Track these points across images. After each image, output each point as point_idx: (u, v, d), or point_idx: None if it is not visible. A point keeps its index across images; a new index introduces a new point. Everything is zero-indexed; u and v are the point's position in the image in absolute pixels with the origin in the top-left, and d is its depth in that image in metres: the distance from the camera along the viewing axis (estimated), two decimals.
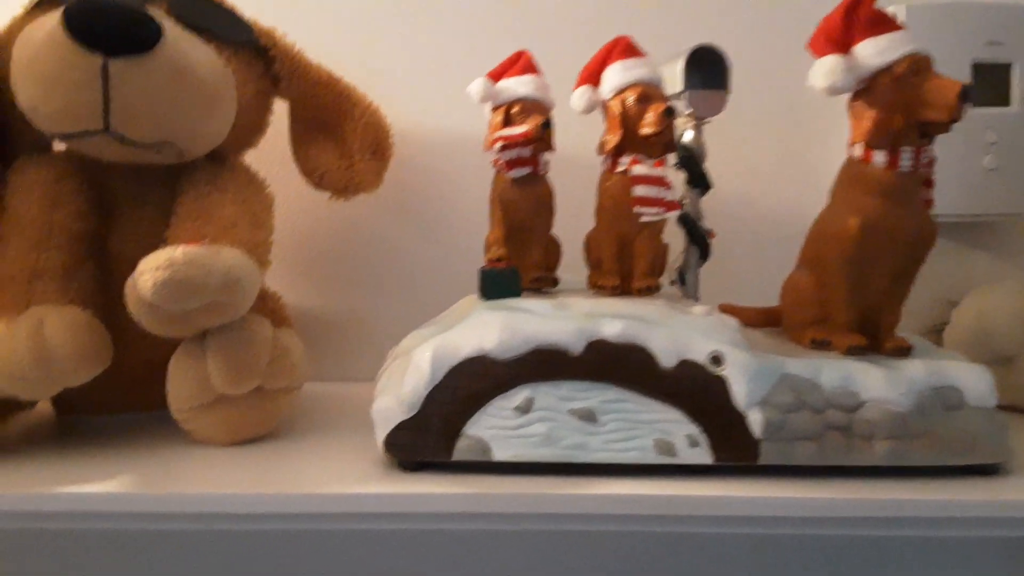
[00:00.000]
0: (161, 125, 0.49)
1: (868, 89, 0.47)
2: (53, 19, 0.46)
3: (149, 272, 0.43)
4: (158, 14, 0.49)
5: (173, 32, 0.49)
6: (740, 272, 0.66)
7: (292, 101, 0.61)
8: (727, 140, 0.68)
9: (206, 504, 0.43)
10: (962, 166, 0.67)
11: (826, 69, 0.46)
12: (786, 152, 0.70)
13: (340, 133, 0.60)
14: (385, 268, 0.72)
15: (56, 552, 0.42)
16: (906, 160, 0.46)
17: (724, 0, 0.70)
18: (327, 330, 0.71)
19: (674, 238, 0.57)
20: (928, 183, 0.49)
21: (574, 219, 0.55)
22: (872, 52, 0.46)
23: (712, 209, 0.59)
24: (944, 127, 0.46)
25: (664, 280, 0.57)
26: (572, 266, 0.58)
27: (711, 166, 0.57)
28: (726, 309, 0.58)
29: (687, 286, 0.57)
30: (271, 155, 0.63)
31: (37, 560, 0.43)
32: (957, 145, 0.67)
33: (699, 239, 0.56)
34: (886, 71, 0.46)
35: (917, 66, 0.45)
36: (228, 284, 0.46)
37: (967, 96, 0.44)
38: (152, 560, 0.43)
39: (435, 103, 0.70)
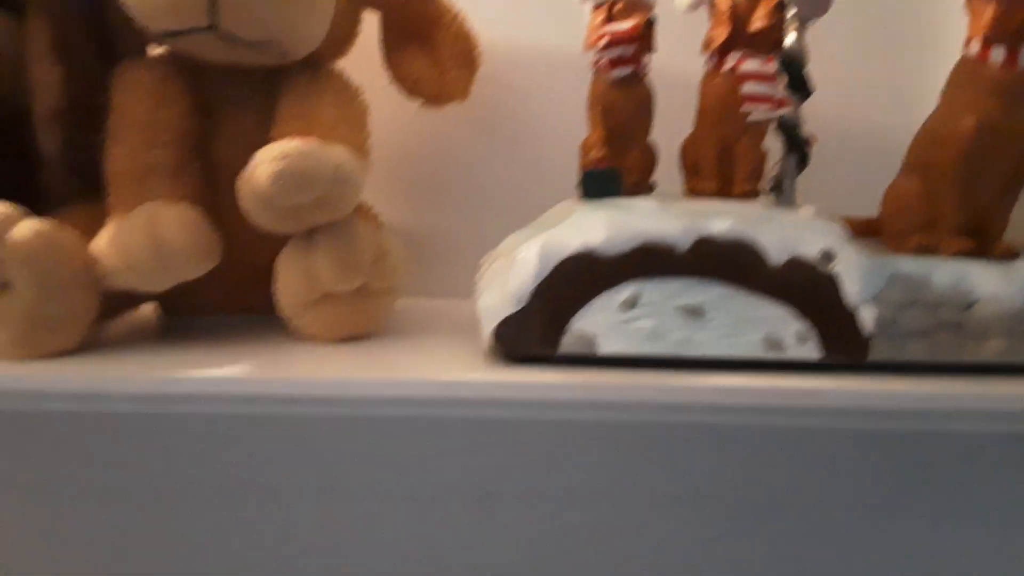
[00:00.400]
0: (266, 22, 0.49)
1: None
2: None
3: (266, 163, 0.44)
4: None
5: None
6: (835, 182, 0.64)
7: (384, 10, 0.60)
8: (828, 43, 0.67)
9: (318, 388, 0.44)
10: None
11: None
12: (888, 59, 0.68)
13: (432, 41, 0.60)
14: (470, 184, 0.72)
15: (173, 435, 0.44)
16: None
17: None
18: (414, 246, 0.71)
19: (771, 147, 0.56)
20: None
21: (669, 125, 0.55)
22: None
23: (810, 116, 0.58)
24: None
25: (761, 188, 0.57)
26: (665, 174, 0.58)
27: (812, 70, 0.56)
28: None
29: (784, 195, 0.57)
30: (356, 70, 0.63)
31: (152, 444, 0.45)
32: None
33: (798, 146, 0.55)
34: None
35: None
36: (338, 178, 0.46)
37: None
38: (264, 443, 0.45)
39: (520, 13, 0.69)
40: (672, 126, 0.55)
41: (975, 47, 0.47)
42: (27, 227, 0.44)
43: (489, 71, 0.68)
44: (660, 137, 0.56)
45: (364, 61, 0.61)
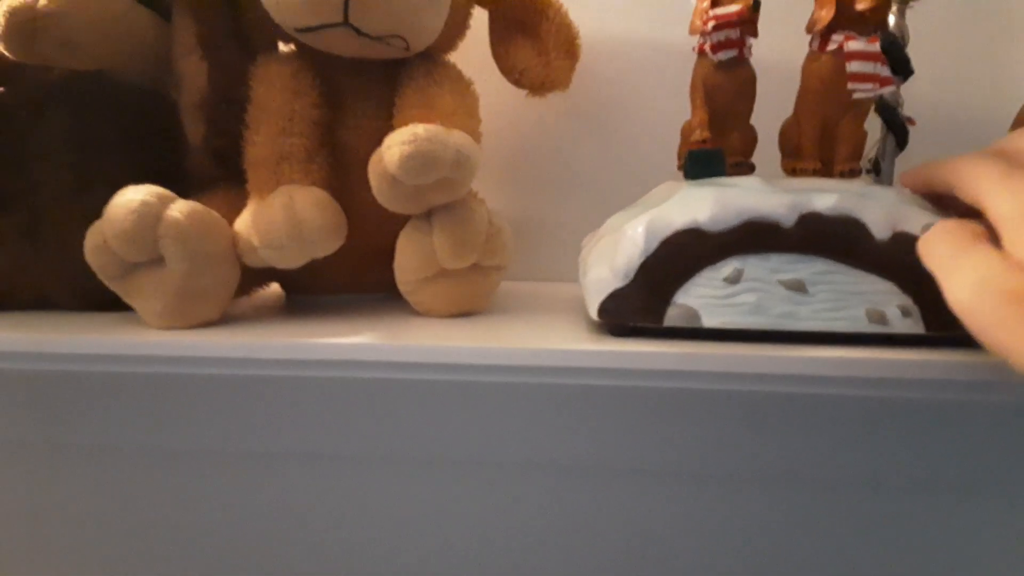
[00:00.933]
0: (393, 18, 0.53)
1: None
2: None
3: (396, 146, 0.48)
4: None
5: None
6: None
7: (494, 5, 0.64)
8: (929, 25, 0.67)
9: (436, 355, 0.47)
10: None
11: None
12: (987, 42, 0.68)
13: (537, 33, 0.63)
14: (567, 172, 0.75)
15: (306, 398, 0.49)
16: None
17: None
18: (515, 232, 0.75)
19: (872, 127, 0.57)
20: None
21: (762, 109, 0.56)
22: None
23: (908, 97, 0.58)
24: None
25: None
26: (759, 157, 0.59)
27: (911, 51, 0.57)
28: None
29: (883, 176, 0.57)
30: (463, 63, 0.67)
31: (289, 408, 0.49)
32: None
33: (898, 127, 0.56)
34: None
35: None
36: (460, 161, 0.50)
37: None
38: (386, 408, 0.49)
39: (614, 4, 0.72)
40: (769, 110, 0.57)
41: None
42: (180, 207, 0.50)
43: (585, 61, 0.71)
44: (757, 120, 0.58)
45: (472, 53, 0.65)
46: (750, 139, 0.57)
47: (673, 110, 0.61)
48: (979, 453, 0.46)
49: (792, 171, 0.55)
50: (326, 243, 0.52)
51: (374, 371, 0.48)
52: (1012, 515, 0.47)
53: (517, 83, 0.64)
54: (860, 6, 0.49)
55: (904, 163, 0.59)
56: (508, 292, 0.67)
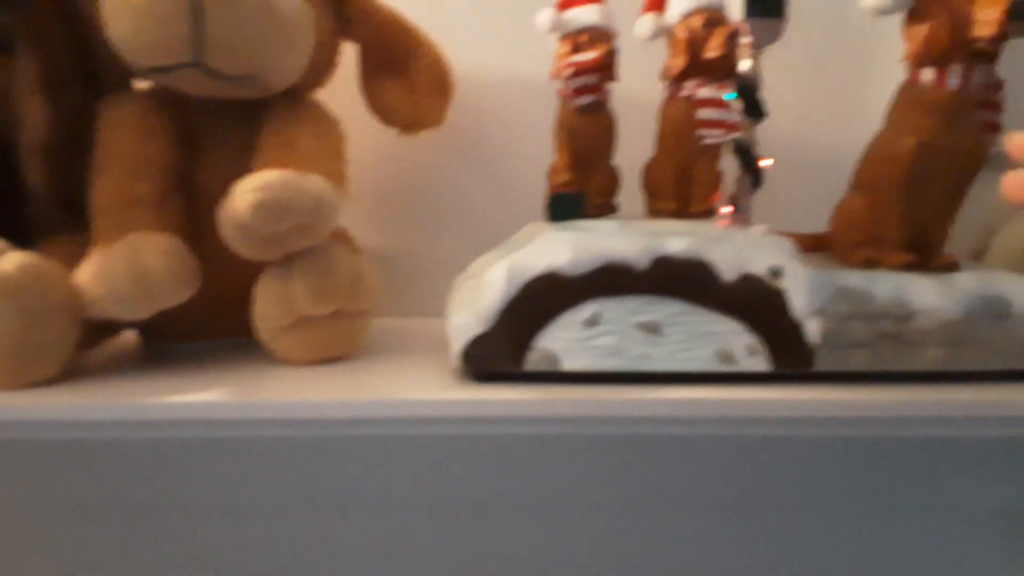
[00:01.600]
0: (248, 58, 0.51)
1: (920, 8, 0.48)
2: None
3: (246, 193, 0.46)
4: None
5: None
6: (789, 200, 0.68)
7: (362, 41, 0.63)
8: (781, 69, 0.70)
9: (292, 411, 0.46)
10: None
11: None
12: (838, 81, 0.72)
13: (407, 71, 0.63)
14: (441, 207, 0.74)
15: (148, 461, 0.46)
16: (953, 79, 0.48)
17: None
18: (388, 267, 0.74)
19: (728, 168, 0.59)
20: (991, 106, 0.50)
21: (632, 149, 0.58)
22: None
23: (764, 138, 0.61)
24: (991, 44, 0.46)
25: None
26: (628, 196, 0.61)
27: (765, 94, 0.59)
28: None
29: (740, 213, 0.60)
30: (333, 99, 0.65)
31: (127, 470, 0.47)
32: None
33: (753, 167, 0.58)
34: None
35: None
36: (317, 206, 0.49)
37: (1015, 12, 0.44)
38: (240, 466, 0.47)
39: (490, 44, 0.72)
40: (634, 150, 0.58)
41: (911, 70, 0.50)
42: (12, 259, 0.47)
43: (463, 98, 0.71)
44: (623, 160, 0.59)
45: (344, 88, 0.64)
46: (612, 180, 0.58)
47: (549, 147, 0.61)
48: (825, 480, 0.48)
49: (653, 212, 0.56)
50: (174, 293, 0.50)
51: (223, 429, 0.46)
52: (855, 532, 0.49)
53: (386, 122, 0.63)
54: (709, 55, 0.51)
55: (762, 201, 0.62)
56: (383, 330, 0.66)
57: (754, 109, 0.58)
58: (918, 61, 0.48)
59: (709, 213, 0.54)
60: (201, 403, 0.46)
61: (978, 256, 0.66)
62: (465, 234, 0.74)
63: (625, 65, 0.60)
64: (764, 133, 0.61)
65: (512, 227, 0.60)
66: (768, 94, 0.59)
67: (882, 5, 0.48)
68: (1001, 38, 0.46)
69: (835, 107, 0.72)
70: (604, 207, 0.56)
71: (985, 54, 0.48)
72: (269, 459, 0.47)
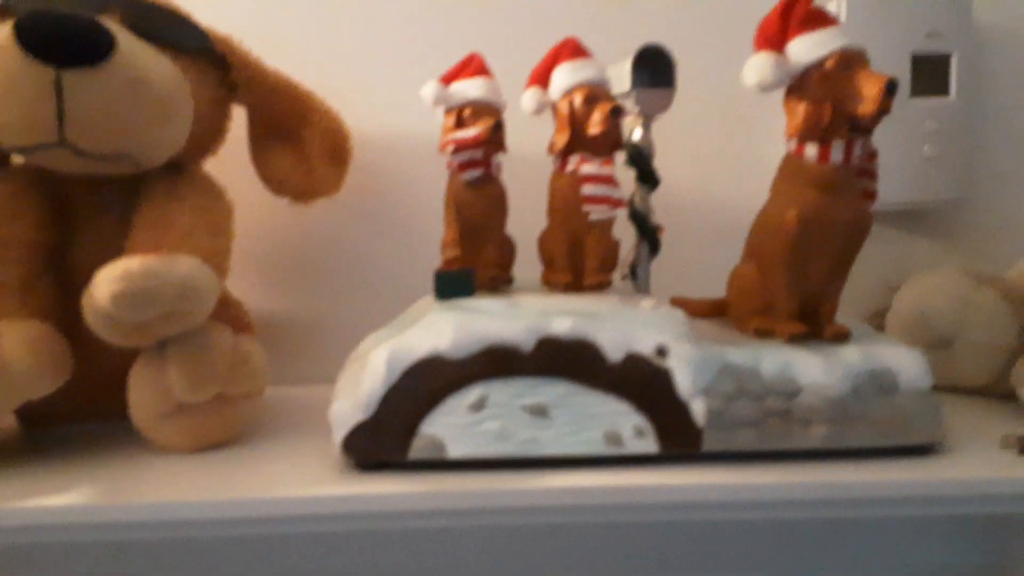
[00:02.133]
0: (116, 136, 0.49)
1: (800, 84, 0.48)
2: (4, 31, 0.46)
3: (105, 284, 0.44)
4: (111, 24, 0.49)
5: (127, 42, 0.49)
6: (691, 265, 0.68)
7: (250, 108, 0.61)
8: (675, 138, 0.70)
9: (167, 512, 0.44)
10: (903, 155, 0.70)
11: (755, 66, 0.48)
12: (733, 148, 0.72)
13: (298, 139, 0.61)
14: (347, 271, 0.73)
15: (20, 566, 0.43)
16: (837, 153, 0.48)
17: (669, 1, 0.72)
18: (291, 334, 0.72)
19: (626, 234, 0.59)
20: (869, 174, 0.50)
21: (531, 217, 0.57)
22: (804, 48, 0.48)
23: (662, 205, 0.61)
24: (873, 120, 0.47)
25: (617, 275, 0.59)
26: (529, 264, 0.60)
27: (660, 163, 0.59)
28: (677, 301, 0.60)
29: (639, 280, 0.59)
30: (234, 160, 0.64)
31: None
32: (898, 135, 0.69)
33: (649, 234, 0.58)
34: (817, 67, 0.47)
35: (847, 61, 0.47)
36: (185, 293, 0.47)
37: (893, 90, 0.45)
38: (117, 571, 0.44)
39: (393, 107, 0.71)
40: (537, 218, 0.57)
41: (792, 144, 0.50)
42: None
43: (367, 160, 0.70)
44: (526, 229, 0.58)
45: (239, 144, 0.62)
46: (507, 252, 0.57)
47: None
48: (703, 561, 0.47)
49: (548, 283, 0.56)
50: (37, 385, 0.48)
51: (89, 534, 0.44)
52: None
53: (277, 192, 0.61)
54: (591, 131, 0.51)
55: (659, 266, 0.62)
56: (282, 401, 0.63)
57: (647, 177, 0.58)
58: (799, 136, 0.49)
59: (603, 286, 0.54)
60: (66, 508, 0.43)
61: (881, 314, 0.67)
62: (367, 298, 0.72)
63: (526, 133, 0.60)
64: (664, 200, 0.62)
65: (418, 289, 0.59)
66: (666, 161, 0.59)
67: (761, 82, 0.48)
68: (881, 114, 0.46)
69: (734, 170, 0.73)
70: (498, 279, 0.55)
71: (866, 129, 0.48)
72: (146, 561, 0.45)
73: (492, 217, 0.55)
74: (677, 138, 0.70)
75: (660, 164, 0.59)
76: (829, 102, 0.47)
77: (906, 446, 0.48)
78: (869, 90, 0.46)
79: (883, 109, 0.46)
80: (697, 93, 0.69)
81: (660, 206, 0.61)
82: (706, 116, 0.72)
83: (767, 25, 0.50)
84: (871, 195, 0.51)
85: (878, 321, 0.67)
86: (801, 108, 0.48)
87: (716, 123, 0.72)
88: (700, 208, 0.72)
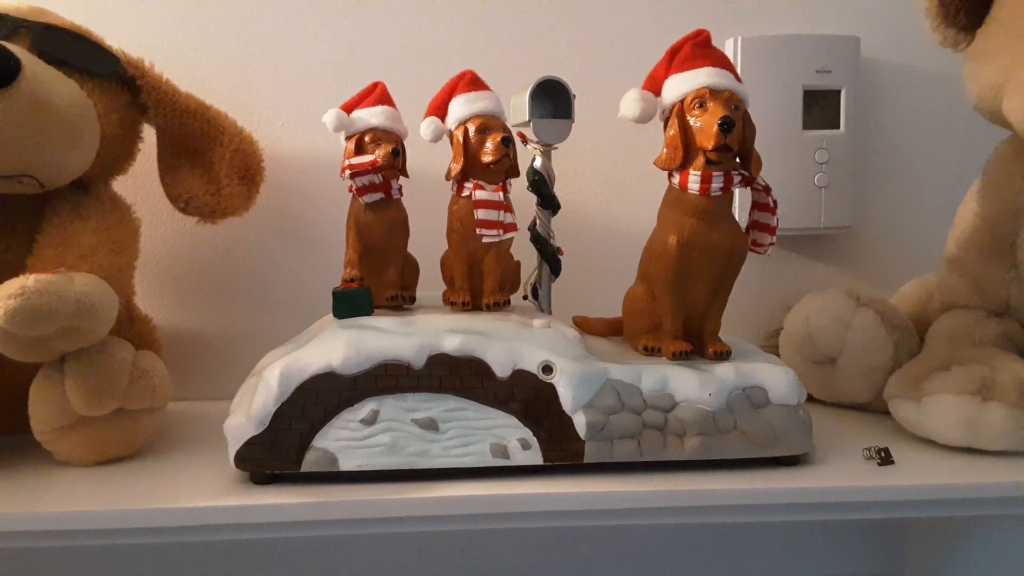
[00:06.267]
0: (20, 157, 0.50)
1: (668, 120, 0.52)
2: None
3: (1, 300, 0.45)
4: (18, 49, 0.50)
5: (33, 66, 0.51)
6: (594, 285, 0.71)
7: (159, 129, 0.62)
8: (577, 165, 0.74)
9: (66, 522, 0.45)
10: (796, 184, 0.74)
11: (625, 101, 0.52)
12: (632, 176, 0.76)
13: (208, 159, 0.62)
14: (256, 289, 0.74)
15: None
16: (716, 183, 0.51)
17: (566, 36, 0.76)
18: (200, 350, 0.72)
19: (529, 255, 0.61)
20: (764, 208, 0.53)
21: (436, 238, 0.59)
22: (672, 87, 0.51)
23: (568, 228, 0.64)
24: (717, 156, 0.50)
25: (519, 295, 0.61)
26: (434, 283, 0.62)
27: (562, 189, 0.62)
28: (578, 320, 0.63)
29: (540, 300, 0.62)
30: (146, 177, 0.65)
31: None
32: (791, 165, 0.73)
33: (550, 256, 0.61)
34: (680, 104, 0.51)
35: (700, 99, 0.50)
36: (81, 310, 0.47)
37: (725, 126, 0.48)
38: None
39: (303, 129, 0.73)
40: (441, 240, 0.59)
41: (676, 175, 0.53)
42: None
43: (281, 178, 0.71)
44: (433, 249, 0.60)
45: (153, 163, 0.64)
46: (409, 271, 0.59)
47: None
48: (587, 568, 0.49)
49: (448, 303, 0.58)
50: None
51: None
52: None
53: (184, 211, 0.62)
54: (484, 159, 0.53)
55: (564, 287, 0.64)
56: (182, 416, 0.64)
57: (548, 202, 0.61)
58: (662, 166, 0.52)
59: (499, 306, 0.56)
60: None
61: (778, 333, 0.70)
62: (275, 315, 0.73)
63: (433, 157, 0.62)
64: (565, 224, 0.64)
65: (325, 308, 0.59)
66: (568, 187, 0.62)
67: (627, 115, 0.52)
68: (723, 148, 0.49)
69: (631, 196, 0.76)
70: (399, 298, 0.57)
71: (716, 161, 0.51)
72: (46, 570, 0.45)
73: (393, 238, 0.57)
74: (579, 165, 0.74)
75: (562, 190, 0.62)
76: (686, 137, 0.51)
77: (775, 457, 0.51)
78: (710, 126, 0.49)
79: (719, 144, 0.49)
80: (598, 124, 0.73)
81: (564, 230, 0.64)
82: (607, 146, 0.75)
83: (658, 66, 0.54)
84: (769, 229, 0.54)
85: (775, 340, 0.71)
86: (665, 141, 0.52)
87: (616, 153, 0.76)
88: (601, 232, 0.75)
